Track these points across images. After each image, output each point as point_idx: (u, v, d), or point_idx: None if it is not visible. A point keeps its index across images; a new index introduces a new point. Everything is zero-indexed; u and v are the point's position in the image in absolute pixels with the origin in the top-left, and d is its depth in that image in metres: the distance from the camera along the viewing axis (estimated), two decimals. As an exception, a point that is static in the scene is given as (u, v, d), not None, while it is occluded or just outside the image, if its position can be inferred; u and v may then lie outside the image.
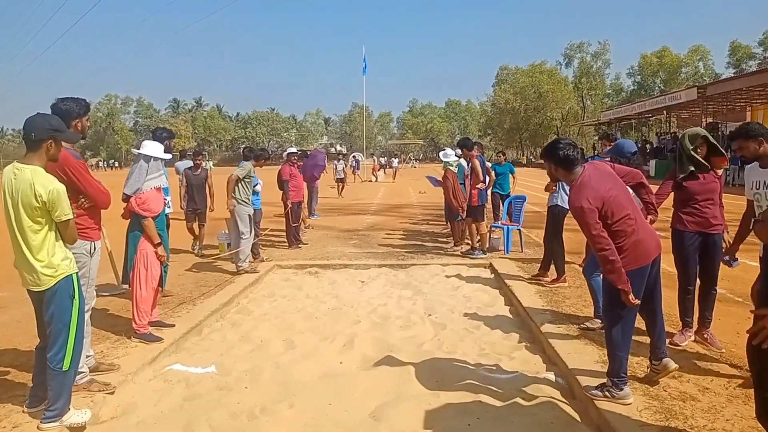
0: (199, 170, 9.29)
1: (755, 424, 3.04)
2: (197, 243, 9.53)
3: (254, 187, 8.70)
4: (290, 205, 10.16)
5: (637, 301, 3.52)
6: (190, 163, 9.55)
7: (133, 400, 4.02)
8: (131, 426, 3.63)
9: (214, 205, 9.68)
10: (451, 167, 9.48)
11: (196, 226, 9.37)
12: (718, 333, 4.78)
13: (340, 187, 22.67)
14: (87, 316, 4.09)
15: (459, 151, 10.08)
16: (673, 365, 3.76)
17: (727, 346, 4.62)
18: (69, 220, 3.37)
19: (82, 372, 3.97)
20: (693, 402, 3.60)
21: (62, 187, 3.33)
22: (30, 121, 3.29)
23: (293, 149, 11.61)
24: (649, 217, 4.20)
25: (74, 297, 3.44)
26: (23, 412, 3.58)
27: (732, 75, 54.79)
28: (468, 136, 10.24)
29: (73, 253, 3.98)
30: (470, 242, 9.17)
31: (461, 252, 9.27)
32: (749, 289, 3.61)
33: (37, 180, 3.24)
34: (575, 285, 6.77)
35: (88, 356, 4.13)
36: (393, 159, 41.30)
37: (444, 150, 9.97)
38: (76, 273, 3.51)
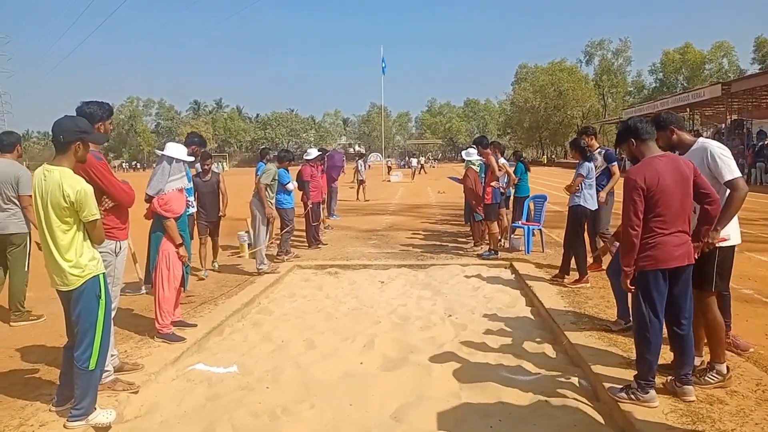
0: (209, 176, 8.12)
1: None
2: (205, 266, 8.12)
3: (286, 185, 8.77)
4: (311, 205, 10.20)
5: (632, 288, 3.63)
6: None
7: (156, 399, 4.07)
8: (155, 425, 3.67)
9: (227, 210, 8.59)
10: (473, 166, 9.43)
11: (208, 242, 8.29)
12: (747, 335, 4.67)
13: (361, 189, 21.16)
14: (112, 315, 4.14)
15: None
16: (691, 397, 3.58)
17: (755, 348, 4.51)
18: (96, 220, 3.43)
19: (107, 371, 4.02)
20: (720, 405, 3.52)
21: (90, 188, 3.40)
22: (58, 124, 3.39)
23: (314, 152, 11.17)
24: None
25: (101, 297, 3.49)
26: (50, 410, 3.64)
27: (757, 71, 53.66)
28: (486, 135, 10.31)
29: (99, 253, 4.04)
30: (489, 243, 9.10)
31: (478, 254, 9.20)
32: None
33: (66, 181, 3.31)
34: (598, 286, 6.68)
35: (112, 356, 4.19)
36: (411, 159, 41.47)
37: (467, 149, 9.93)
38: (104, 273, 3.57)
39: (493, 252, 8.88)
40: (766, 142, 24.67)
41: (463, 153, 9.84)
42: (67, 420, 3.44)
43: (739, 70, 68.85)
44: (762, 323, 5.23)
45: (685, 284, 3.64)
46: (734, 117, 31.52)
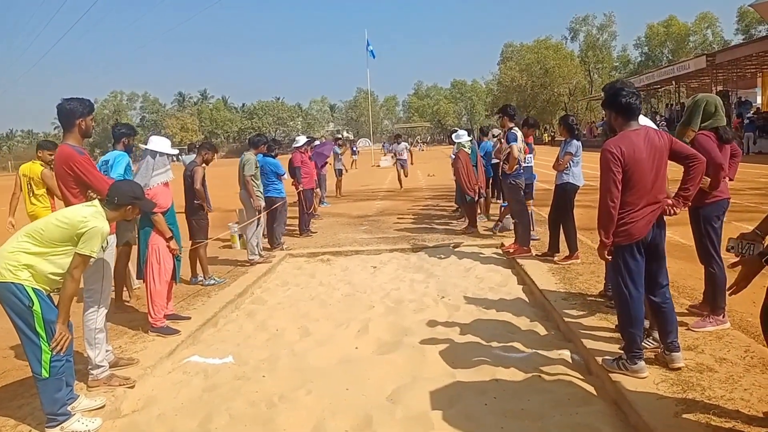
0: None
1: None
2: (203, 273, 7.07)
3: (282, 175, 8.75)
4: (301, 189, 10.13)
5: (608, 258, 3.62)
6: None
7: (153, 393, 4.08)
8: (152, 418, 3.68)
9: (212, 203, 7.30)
10: (464, 148, 9.44)
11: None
12: (734, 303, 4.73)
13: (339, 182, 17.44)
14: (105, 311, 4.13)
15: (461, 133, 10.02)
16: (678, 363, 3.64)
17: (743, 315, 4.58)
18: (87, 257, 3.36)
19: (102, 366, 4.04)
20: (710, 373, 3.58)
21: (106, 230, 3.46)
22: (116, 187, 3.70)
23: (303, 139, 10.95)
24: (673, 200, 3.70)
25: (32, 307, 3.27)
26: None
27: (741, 41, 53.74)
28: (475, 116, 10.04)
29: None
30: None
31: (489, 228, 9.34)
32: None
33: (96, 215, 3.44)
34: (588, 261, 6.74)
35: (107, 351, 4.20)
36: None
37: (456, 131, 9.93)
38: (34, 288, 3.31)
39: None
40: (752, 113, 24.83)
41: (453, 135, 9.82)
42: (45, 426, 3.40)
43: (723, 41, 68.93)
44: (750, 291, 5.23)
45: (661, 255, 3.68)
46: (720, 88, 31.63)
